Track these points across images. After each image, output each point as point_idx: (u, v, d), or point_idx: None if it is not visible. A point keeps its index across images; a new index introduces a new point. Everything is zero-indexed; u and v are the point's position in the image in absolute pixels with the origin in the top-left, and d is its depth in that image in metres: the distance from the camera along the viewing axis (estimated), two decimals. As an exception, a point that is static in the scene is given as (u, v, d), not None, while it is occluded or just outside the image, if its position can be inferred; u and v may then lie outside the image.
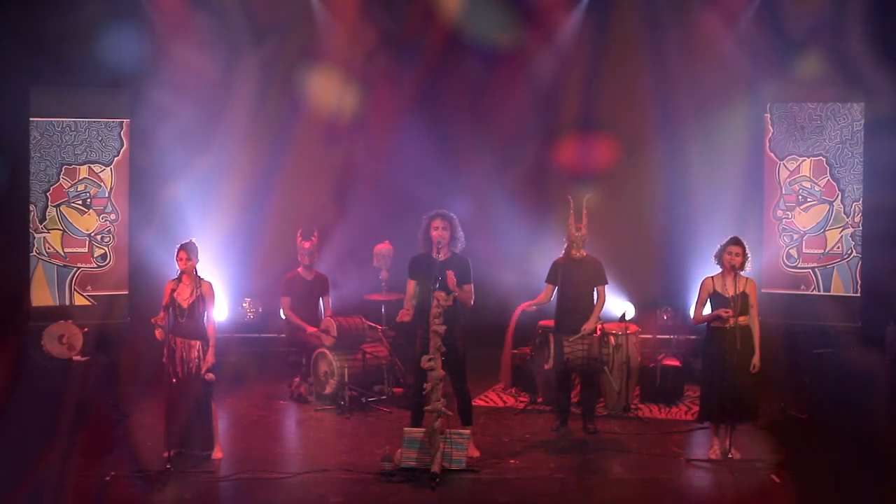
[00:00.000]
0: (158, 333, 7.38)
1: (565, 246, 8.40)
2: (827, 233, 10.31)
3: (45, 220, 10.13)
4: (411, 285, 7.64)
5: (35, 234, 10.07)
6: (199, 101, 10.77)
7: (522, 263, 10.32)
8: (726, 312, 7.39)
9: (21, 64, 9.54)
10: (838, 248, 10.24)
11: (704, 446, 7.94)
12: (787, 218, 10.46)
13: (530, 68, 11.21)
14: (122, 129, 10.40)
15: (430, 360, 7.17)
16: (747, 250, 7.55)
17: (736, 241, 7.58)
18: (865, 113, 10.11)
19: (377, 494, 6.90)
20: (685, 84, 10.72)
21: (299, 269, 9.72)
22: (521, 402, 9.42)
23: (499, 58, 11.05)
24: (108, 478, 7.16)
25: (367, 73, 11.17)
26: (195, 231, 9.04)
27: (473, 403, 8.05)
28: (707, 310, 7.65)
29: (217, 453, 7.63)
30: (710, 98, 10.61)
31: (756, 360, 7.47)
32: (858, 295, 10.11)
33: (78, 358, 7.99)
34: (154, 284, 9.34)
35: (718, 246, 7.63)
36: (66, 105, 10.23)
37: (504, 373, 9.37)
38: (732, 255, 7.52)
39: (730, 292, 7.49)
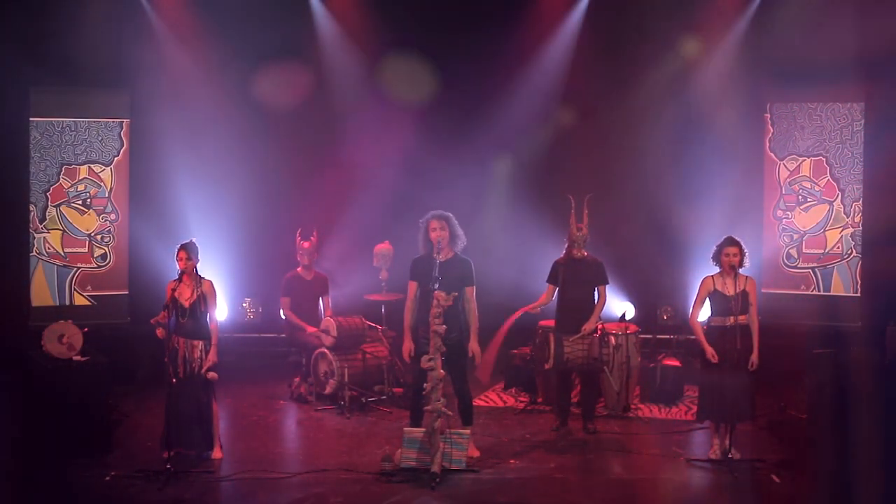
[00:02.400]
0: (160, 332, 7.40)
1: (566, 246, 8.41)
2: (827, 233, 10.31)
3: (45, 220, 10.13)
4: (412, 287, 7.65)
5: (35, 234, 10.07)
6: (198, 102, 10.78)
7: (523, 263, 10.32)
8: (713, 357, 7.46)
9: (21, 64, 9.54)
10: (838, 248, 10.25)
11: (704, 446, 7.94)
12: (787, 218, 10.46)
13: (531, 67, 11.22)
14: (122, 129, 10.40)
15: (430, 360, 7.17)
16: (744, 248, 7.56)
17: (732, 242, 7.58)
18: (865, 113, 10.11)
19: (377, 494, 6.91)
20: (686, 83, 10.73)
21: (299, 269, 9.73)
22: (521, 402, 9.43)
23: (500, 55, 11.07)
24: (108, 478, 7.17)
25: (367, 72, 11.19)
26: (195, 231, 9.04)
27: (473, 403, 8.04)
28: (707, 309, 7.67)
29: (217, 453, 7.63)
30: (711, 98, 10.62)
31: (754, 357, 7.48)
32: (858, 295, 10.11)
33: (78, 358, 7.98)
34: (154, 284, 9.36)
35: (715, 248, 7.64)
36: (66, 105, 10.23)
37: (483, 369, 8.52)
38: (730, 255, 7.53)
39: (730, 291, 7.50)
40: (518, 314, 8.71)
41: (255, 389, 9.97)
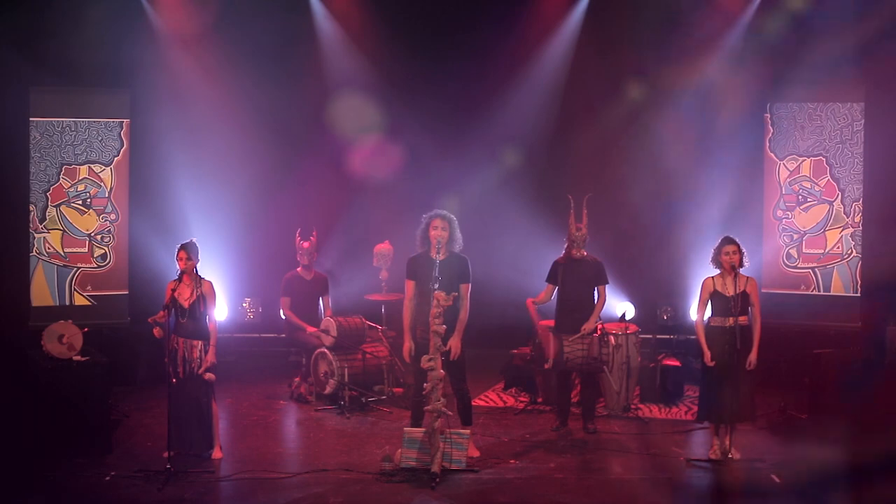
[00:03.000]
0: (157, 331, 7.40)
1: (566, 246, 8.41)
2: (827, 233, 10.30)
3: (45, 220, 10.12)
4: (410, 286, 7.64)
5: (35, 234, 10.06)
6: (198, 101, 10.78)
7: (523, 263, 10.32)
8: (710, 362, 7.47)
9: (21, 64, 9.54)
10: (838, 248, 10.24)
11: (704, 446, 7.94)
12: (787, 218, 10.45)
13: (531, 66, 11.23)
14: (122, 129, 10.39)
15: (430, 360, 7.17)
16: (742, 247, 7.57)
17: (729, 241, 7.59)
18: (865, 113, 10.10)
19: (377, 494, 6.90)
20: (685, 84, 10.73)
21: (299, 269, 9.74)
22: (521, 402, 9.43)
23: (500, 54, 11.08)
24: (108, 478, 7.17)
25: (365, 71, 11.20)
26: (195, 231, 9.04)
27: (473, 403, 8.05)
28: (708, 310, 7.67)
29: (217, 453, 7.63)
30: (711, 98, 10.62)
31: (753, 357, 7.47)
32: (858, 295, 10.10)
33: (78, 358, 7.98)
34: (154, 284, 9.37)
35: (713, 250, 7.65)
36: (66, 105, 10.21)
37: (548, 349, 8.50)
38: (730, 254, 7.53)
39: (730, 291, 7.50)
40: (532, 306, 8.62)
41: (255, 389, 9.97)
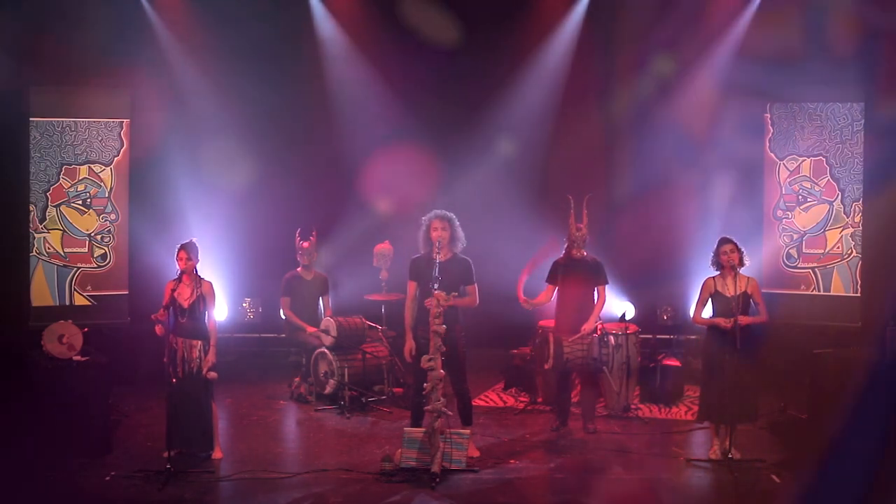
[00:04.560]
0: (158, 329, 7.38)
1: (565, 246, 8.41)
2: (827, 233, 10.30)
3: (45, 220, 10.12)
4: (412, 286, 7.66)
5: (35, 234, 10.07)
6: (198, 101, 10.79)
7: (522, 263, 10.31)
8: (726, 322, 7.40)
9: (21, 64, 9.53)
10: (838, 248, 10.24)
11: (704, 446, 7.94)
12: (787, 218, 10.46)
13: (531, 66, 11.24)
14: (122, 129, 10.40)
15: (430, 360, 7.17)
16: (739, 245, 7.57)
17: (726, 241, 7.60)
18: (865, 113, 10.10)
19: (377, 494, 6.91)
20: (685, 83, 10.73)
21: (298, 270, 9.74)
22: (521, 402, 9.43)
23: (500, 54, 11.08)
24: (108, 478, 7.17)
25: (364, 70, 11.21)
26: (195, 231, 9.04)
27: (473, 403, 8.05)
28: (708, 309, 7.67)
29: (217, 453, 7.63)
30: (710, 97, 10.62)
31: (744, 319, 7.41)
32: (858, 295, 10.11)
33: (78, 358, 7.98)
34: (154, 284, 9.36)
35: (711, 253, 7.65)
36: (66, 105, 10.21)
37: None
38: (728, 253, 7.53)
39: (731, 292, 7.50)
40: (525, 275, 8.57)
41: (255, 389, 9.98)
